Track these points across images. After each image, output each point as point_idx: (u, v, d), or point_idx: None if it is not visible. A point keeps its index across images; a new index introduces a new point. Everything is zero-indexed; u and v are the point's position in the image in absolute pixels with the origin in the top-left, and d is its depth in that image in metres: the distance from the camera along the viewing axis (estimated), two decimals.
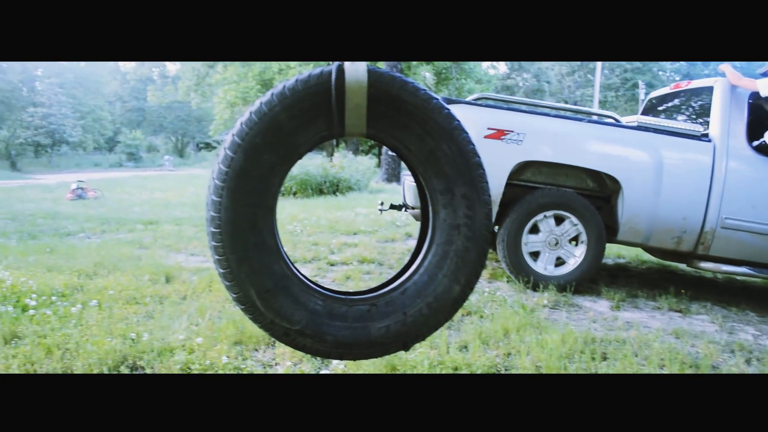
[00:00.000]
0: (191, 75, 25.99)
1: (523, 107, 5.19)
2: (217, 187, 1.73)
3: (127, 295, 4.01)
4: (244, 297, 1.82)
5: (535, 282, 4.87)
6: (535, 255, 5.01)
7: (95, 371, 2.74)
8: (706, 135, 4.96)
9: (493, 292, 4.64)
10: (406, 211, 5.42)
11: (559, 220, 4.96)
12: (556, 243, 4.96)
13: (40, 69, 48.58)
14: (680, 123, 5.01)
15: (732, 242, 4.85)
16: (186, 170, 36.21)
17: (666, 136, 4.86)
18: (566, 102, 48.97)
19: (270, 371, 2.89)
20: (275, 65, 21.10)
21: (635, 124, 5.00)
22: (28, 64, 46.01)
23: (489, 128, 4.73)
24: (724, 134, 4.88)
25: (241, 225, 1.78)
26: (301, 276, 1.92)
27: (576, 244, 5.02)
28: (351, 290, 2.15)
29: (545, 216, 4.92)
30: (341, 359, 1.93)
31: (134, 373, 2.81)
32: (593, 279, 5.56)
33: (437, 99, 1.80)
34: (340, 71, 1.68)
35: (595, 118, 5.28)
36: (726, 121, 4.91)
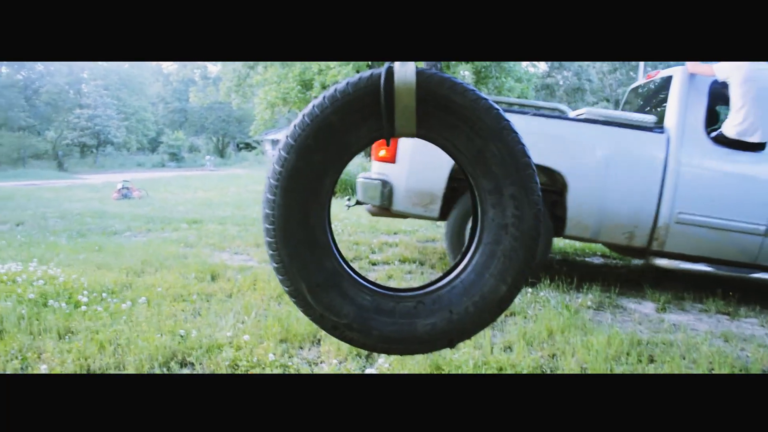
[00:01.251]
0: (232, 76, 26.30)
1: None
2: (272, 185, 1.79)
3: (175, 293, 4.10)
4: (296, 290, 1.88)
5: None
6: None
7: (146, 367, 2.82)
8: (660, 126, 4.80)
9: (536, 292, 4.61)
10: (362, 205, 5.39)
11: None
12: None
13: (86, 71, 49.75)
14: (632, 114, 4.90)
15: (688, 238, 4.70)
16: (227, 170, 36.73)
17: (614, 128, 4.73)
18: (608, 101, 48.25)
19: (315, 369, 2.93)
20: (315, 66, 21.23)
21: (584, 116, 4.91)
22: (74, 66, 47.15)
23: None
24: (680, 125, 4.71)
25: (294, 222, 1.83)
26: (351, 272, 1.96)
27: None
28: (399, 287, 2.18)
29: None
30: (388, 353, 1.96)
31: (162, 373, 2.88)
32: (637, 280, 5.48)
33: (486, 99, 1.81)
34: (389, 73, 1.71)
35: (543, 111, 5.21)
36: (682, 111, 4.74)
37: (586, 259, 6.82)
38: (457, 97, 1.74)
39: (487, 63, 21.57)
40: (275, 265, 1.87)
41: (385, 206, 4.98)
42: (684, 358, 3.32)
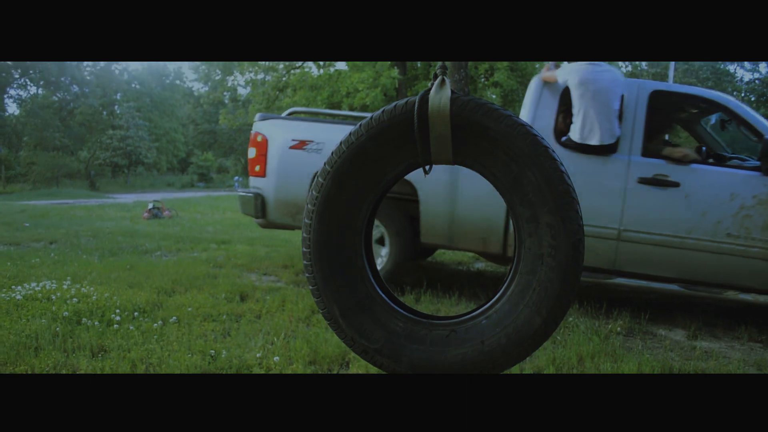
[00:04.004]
0: (261, 99, 26.58)
1: (330, 119, 5.88)
2: (309, 210, 1.82)
3: (205, 313, 4.14)
4: (329, 313, 1.90)
5: None
6: None
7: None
8: None
9: (564, 317, 4.57)
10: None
11: None
12: None
13: (119, 94, 50.76)
14: None
15: None
16: None
17: None
18: None
19: None
20: (343, 89, 21.40)
21: None
22: (108, 88, 48.14)
23: (293, 139, 5.16)
24: None
25: (329, 246, 1.86)
26: (386, 297, 1.97)
27: (383, 245, 5.22)
28: (434, 314, 2.17)
29: None
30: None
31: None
32: (667, 306, 5.41)
33: (523, 125, 1.80)
34: (423, 100, 1.72)
35: None
36: (530, 118, 4.77)
37: (617, 282, 6.75)
38: (493, 123, 1.73)
39: (515, 86, 21.57)
40: (311, 287, 1.91)
41: (260, 217, 5.37)
42: None
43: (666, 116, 5.23)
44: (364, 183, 1.83)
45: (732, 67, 42.04)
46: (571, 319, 4.52)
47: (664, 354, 3.86)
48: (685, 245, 4.51)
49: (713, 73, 41.43)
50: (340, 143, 1.82)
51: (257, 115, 5.57)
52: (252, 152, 5.39)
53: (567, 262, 1.81)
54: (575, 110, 4.66)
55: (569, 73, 4.67)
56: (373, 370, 3.10)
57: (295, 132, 5.24)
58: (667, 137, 5.19)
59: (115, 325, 3.72)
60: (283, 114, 5.71)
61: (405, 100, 1.79)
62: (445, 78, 1.73)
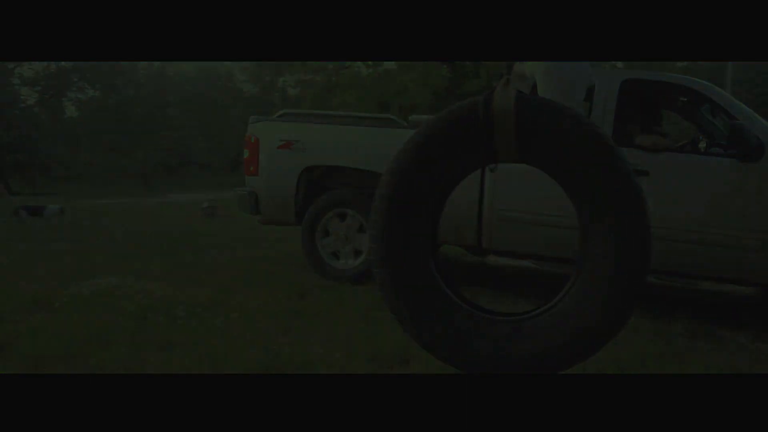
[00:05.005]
0: (311, 99, 26.84)
1: (315, 118, 6.00)
2: (375, 207, 1.83)
3: (265, 310, 4.21)
4: (395, 308, 1.92)
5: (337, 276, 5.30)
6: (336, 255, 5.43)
7: None
8: None
9: (629, 318, 4.47)
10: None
11: (343, 217, 5.32)
12: (347, 238, 5.32)
13: (172, 96, 51.85)
14: None
15: (512, 234, 4.72)
16: None
17: None
18: None
19: None
20: (393, 88, 21.42)
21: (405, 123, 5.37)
22: (162, 90, 49.20)
23: (281, 140, 5.38)
24: None
25: (394, 242, 1.87)
26: (451, 293, 1.97)
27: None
28: (498, 310, 2.16)
29: (329, 217, 5.34)
30: (480, 374, 1.94)
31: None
32: (731, 307, 5.25)
33: (590, 124, 1.78)
34: (488, 100, 1.72)
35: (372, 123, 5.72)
36: None
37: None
38: (559, 123, 1.72)
39: None
40: (378, 281, 1.93)
41: (255, 214, 5.63)
42: None
43: (640, 105, 5.08)
44: (428, 181, 1.84)
45: None
46: (633, 319, 4.42)
47: (730, 356, 3.76)
48: (656, 235, 4.37)
49: None
50: (406, 142, 1.84)
51: (251, 118, 5.81)
52: (246, 153, 5.64)
53: (632, 262, 1.79)
54: None
55: (535, 65, 4.57)
56: (435, 365, 3.11)
57: (283, 133, 5.47)
58: (656, 125, 5.02)
59: (179, 321, 3.81)
60: (275, 116, 5.95)
61: (469, 99, 1.80)
62: (510, 78, 1.73)
